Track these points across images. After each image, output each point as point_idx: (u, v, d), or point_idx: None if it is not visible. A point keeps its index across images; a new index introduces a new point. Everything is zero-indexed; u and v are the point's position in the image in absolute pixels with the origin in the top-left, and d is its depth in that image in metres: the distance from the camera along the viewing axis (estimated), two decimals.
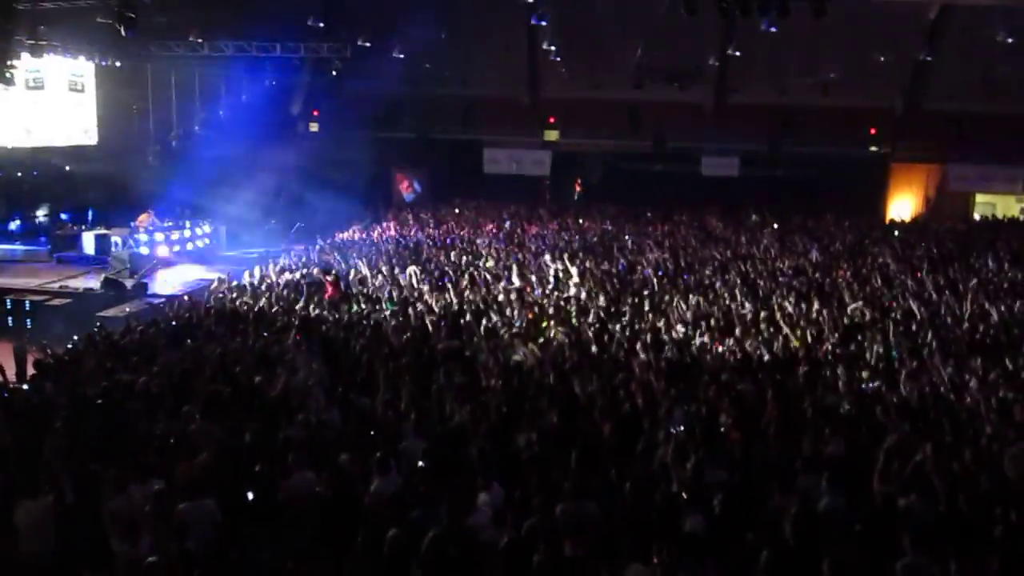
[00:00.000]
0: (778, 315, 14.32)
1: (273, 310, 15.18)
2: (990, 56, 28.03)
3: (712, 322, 14.20)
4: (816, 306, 15.09)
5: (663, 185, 32.20)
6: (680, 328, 13.91)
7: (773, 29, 17.13)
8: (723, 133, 32.01)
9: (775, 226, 27.63)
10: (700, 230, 26.92)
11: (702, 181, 32.04)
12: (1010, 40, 22.41)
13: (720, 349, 12.62)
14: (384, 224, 27.81)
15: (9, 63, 18.91)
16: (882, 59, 26.59)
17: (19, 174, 24.93)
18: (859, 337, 13.18)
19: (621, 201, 31.69)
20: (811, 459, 7.80)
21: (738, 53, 27.70)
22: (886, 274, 18.77)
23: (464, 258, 21.04)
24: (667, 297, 16.16)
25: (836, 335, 13.32)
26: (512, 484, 7.42)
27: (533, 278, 18.20)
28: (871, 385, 10.57)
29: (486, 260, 20.42)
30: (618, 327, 13.79)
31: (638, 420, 9.11)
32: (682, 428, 8.72)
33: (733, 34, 27.60)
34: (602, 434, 8.66)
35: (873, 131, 31.63)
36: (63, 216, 25.44)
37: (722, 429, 8.96)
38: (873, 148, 31.91)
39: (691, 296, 16.22)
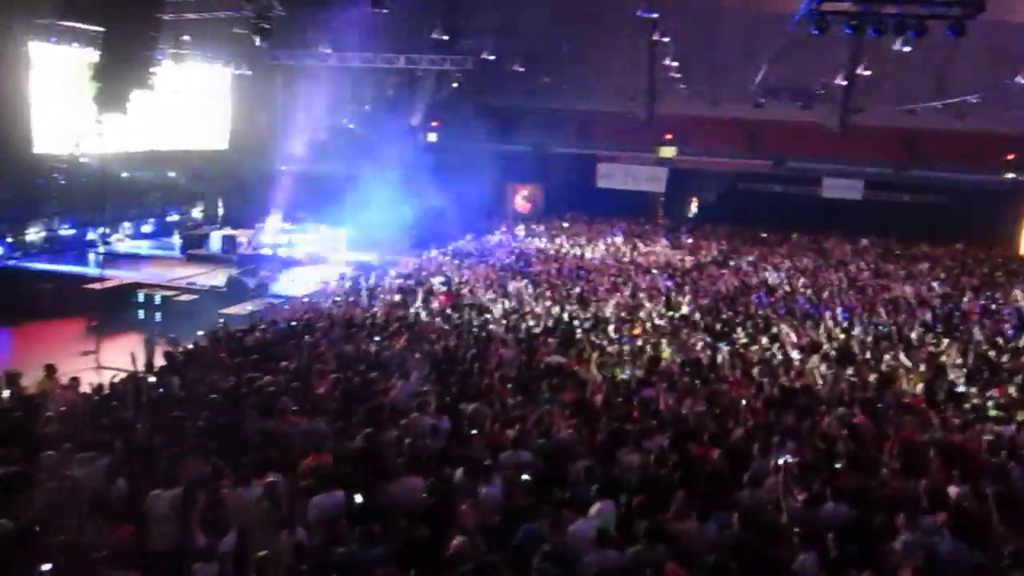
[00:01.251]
0: (898, 348, 13.76)
1: (386, 315, 15.50)
2: None
3: (828, 350, 13.75)
4: (941, 340, 14.43)
5: (781, 206, 31.44)
6: (795, 354, 13.52)
7: (907, 49, 16.44)
8: (847, 155, 31.03)
9: (897, 253, 26.60)
10: (819, 253, 26.14)
11: (823, 204, 31.12)
12: None
13: (836, 378, 12.17)
14: (498, 235, 28.08)
15: (152, 70, 19.99)
16: (1022, 81, 25.19)
17: (155, 175, 26.28)
18: (988, 375, 12.53)
19: (737, 221, 31.09)
20: (932, 500, 7.44)
21: (867, 72, 26.79)
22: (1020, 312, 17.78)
23: (575, 272, 21.02)
24: (782, 322, 15.75)
25: (963, 372, 12.69)
26: (617, 505, 7.35)
27: (643, 296, 18.04)
28: (1005, 428, 9.98)
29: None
30: (728, 350, 13.50)
31: (748, 447, 8.88)
32: (793, 459, 8.44)
33: (862, 53, 26.71)
34: (711, 460, 8.48)
35: (1010, 157, 30.04)
36: (194, 216, 26.70)
37: (837, 465, 8.62)
38: (1010, 175, 30.30)
39: (807, 321, 15.77)
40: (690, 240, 28.58)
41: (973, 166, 29.93)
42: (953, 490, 7.75)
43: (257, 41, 19.58)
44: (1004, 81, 25.45)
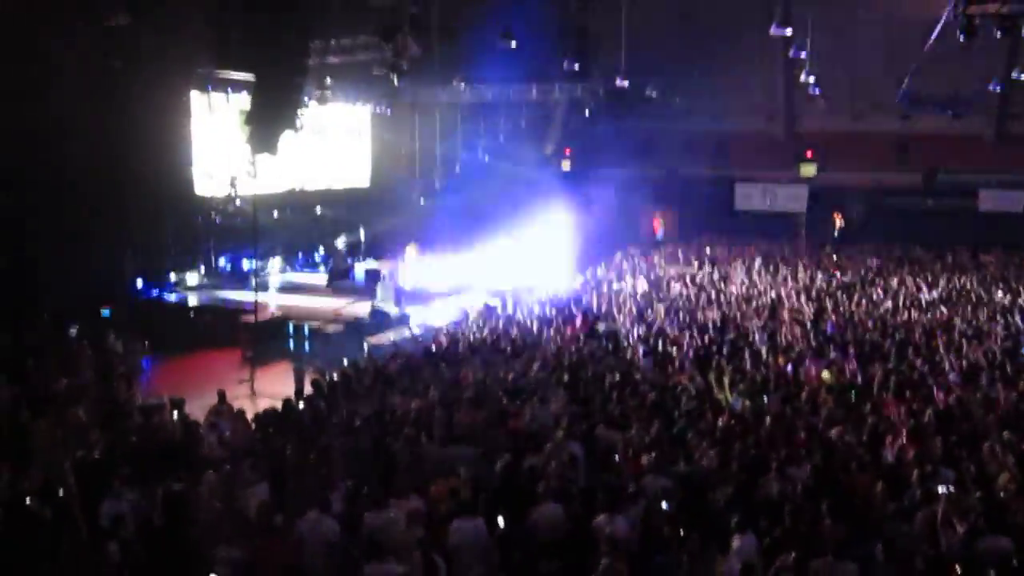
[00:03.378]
0: None
1: (525, 341, 15.64)
2: None
3: (993, 372, 12.90)
4: None
5: (934, 222, 29.79)
6: (953, 377, 12.76)
7: None
8: (1005, 165, 29.18)
9: None
10: (977, 271, 24.63)
11: (980, 217, 29.32)
12: None
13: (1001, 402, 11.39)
14: (634, 261, 27.87)
15: (299, 113, 21.09)
16: None
17: (303, 213, 27.60)
18: None
19: (886, 239, 29.64)
20: None
21: (1023, 77, 25.20)
22: None
23: (714, 296, 20.60)
24: (937, 342, 14.93)
25: None
26: (761, 535, 7.12)
27: (786, 317, 17.48)
28: None
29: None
30: (882, 372, 12.87)
31: (901, 475, 8.43)
32: (952, 488, 7.94)
33: (1017, 56, 25.17)
34: (861, 488, 8.09)
35: None
36: (339, 249, 27.85)
37: (1002, 493, 8.06)
38: None
39: (966, 342, 14.87)
40: (835, 259, 27.48)
41: None
42: None
43: (395, 80, 20.32)
44: None
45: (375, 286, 23.12)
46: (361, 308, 21.14)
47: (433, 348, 15.81)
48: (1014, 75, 25.44)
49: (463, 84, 27.00)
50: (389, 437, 9.62)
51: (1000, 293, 20.81)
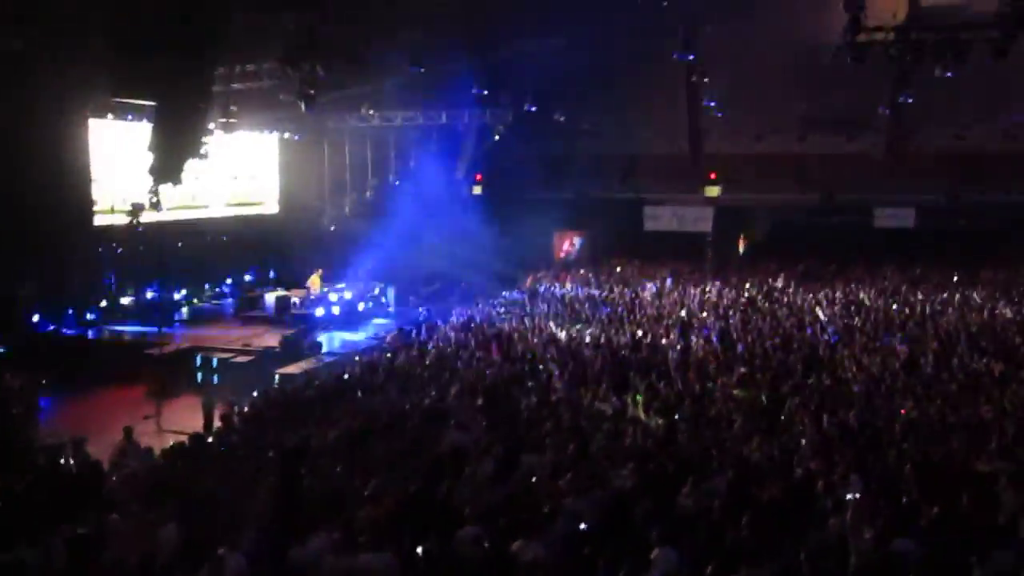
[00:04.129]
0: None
1: (440, 367, 15.54)
2: None
3: (894, 383, 13.43)
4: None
5: (834, 239, 30.97)
6: (856, 388, 13.22)
7: (949, 75, 16.25)
8: (897, 183, 30.51)
9: (955, 279, 26.02)
10: (875, 286, 25.67)
11: (876, 234, 30.60)
12: None
13: (903, 412, 11.85)
14: (545, 284, 28.11)
15: (204, 140, 20.64)
16: None
17: (210, 241, 27.00)
18: None
19: (789, 257, 30.65)
20: (1007, 533, 7.15)
21: (911, 100, 26.47)
22: None
23: (625, 316, 20.90)
24: (841, 356, 15.46)
25: None
26: (680, 549, 7.19)
27: (693, 337, 17.84)
28: None
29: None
30: (789, 386, 13.24)
31: (812, 485, 8.67)
32: (859, 495, 8.20)
33: (905, 80, 26.46)
34: (774, 499, 8.27)
35: None
36: (247, 278, 27.26)
37: (904, 499, 8.35)
38: None
39: (866, 356, 15.44)
40: (739, 279, 28.26)
41: None
42: None
43: (303, 107, 20.10)
44: None
45: (285, 315, 22.76)
46: (271, 338, 20.72)
47: (347, 376, 15.56)
48: (901, 98, 26.71)
49: (372, 110, 26.89)
50: (304, 469, 9.40)
51: (896, 307, 21.69)
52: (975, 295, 23.12)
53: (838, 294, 23.91)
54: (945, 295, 23.17)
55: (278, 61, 19.48)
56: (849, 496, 8.16)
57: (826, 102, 27.05)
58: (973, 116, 27.63)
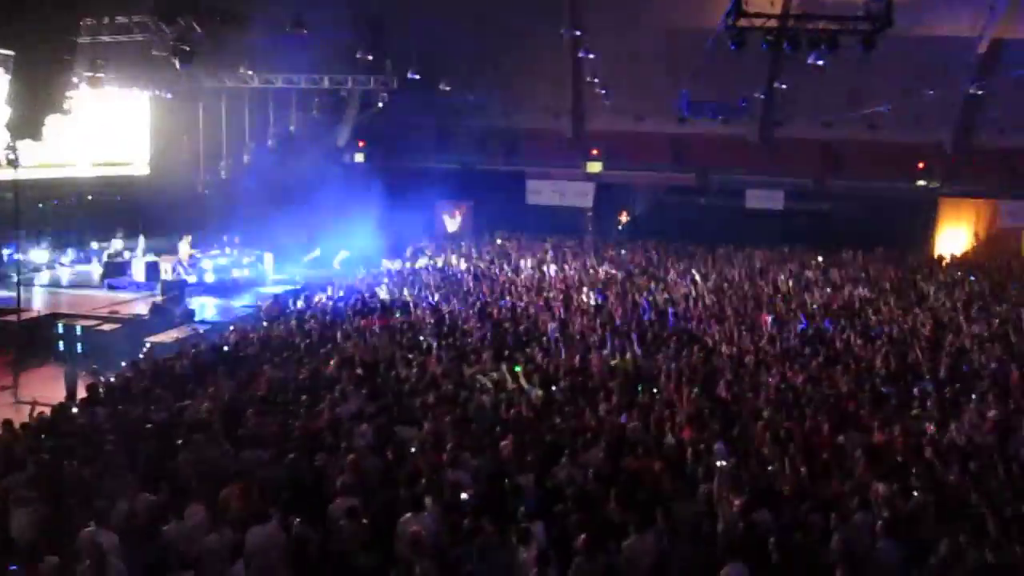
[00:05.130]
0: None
1: (318, 338, 15.28)
2: None
3: (759, 356, 14.05)
4: (865, 343, 14.87)
5: (708, 219, 32.07)
6: (720, 362, 13.77)
7: (820, 63, 17.02)
8: (768, 167, 31.86)
9: (819, 259, 27.38)
10: (745, 263, 26.72)
11: (747, 215, 31.85)
12: None
13: (770, 383, 12.41)
14: (429, 255, 28.00)
15: (68, 95, 19.47)
16: (931, 94, 26.28)
17: (74, 202, 25.60)
18: (910, 377, 12.95)
19: (666, 234, 31.57)
20: (863, 500, 7.62)
21: (784, 87, 27.56)
22: (937, 314, 18.42)
23: (506, 289, 21.06)
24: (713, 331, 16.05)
25: (887, 372, 13.09)
26: (555, 521, 7.36)
27: (573, 310, 18.15)
28: (927, 427, 10.31)
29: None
30: (664, 360, 13.66)
31: (682, 456, 9.00)
32: (726, 463, 8.57)
33: (779, 68, 27.49)
34: (647, 470, 8.56)
35: (922, 166, 31.25)
36: (114, 242, 26.03)
37: (769, 468, 8.79)
38: (922, 183, 31.49)
39: (737, 331, 16.08)
40: (623, 252, 28.89)
41: (888, 175, 31.04)
42: (881, 488, 7.96)
43: (177, 64, 19.22)
44: (914, 93, 26.49)
45: (155, 282, 21.90)
46: (140, 305, 19.89)
47: (220, 347, 15.09)
48: (776, 84, 27.78)
49: (250, 71, 25.96)
50: (176, 442, 9.10)
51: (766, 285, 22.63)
52: (837, 275, 24.36)
53: (710, 271, 24.76)
54: (810, 274, 24.33)
55: (151, 15, 18.55)
56: (720, 463, 8.52)
57: (704, 86, 27.81)
58: (840, 106, 29.01)
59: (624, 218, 34.78)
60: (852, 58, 17.78)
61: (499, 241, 31.26)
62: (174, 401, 10.90)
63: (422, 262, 26.42)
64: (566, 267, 25.21)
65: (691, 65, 25.33)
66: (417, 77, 26.14)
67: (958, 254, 30.69)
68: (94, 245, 25.92)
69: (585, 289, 20.93)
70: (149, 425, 9.71)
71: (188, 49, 18.79)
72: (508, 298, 19.57)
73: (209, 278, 23.10)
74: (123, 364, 13.96)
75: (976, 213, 32.28)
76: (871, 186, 30.95)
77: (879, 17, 14.25)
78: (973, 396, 11.59)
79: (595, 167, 33.04)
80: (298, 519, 7.18)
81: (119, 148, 26.28)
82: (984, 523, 7.06)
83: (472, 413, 10.58)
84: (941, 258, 29.79)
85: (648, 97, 30.93)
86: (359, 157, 32.92)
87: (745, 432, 10.01)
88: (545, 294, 20.26)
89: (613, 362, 13.57)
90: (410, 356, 13.79)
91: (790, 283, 22.41)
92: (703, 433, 9.77)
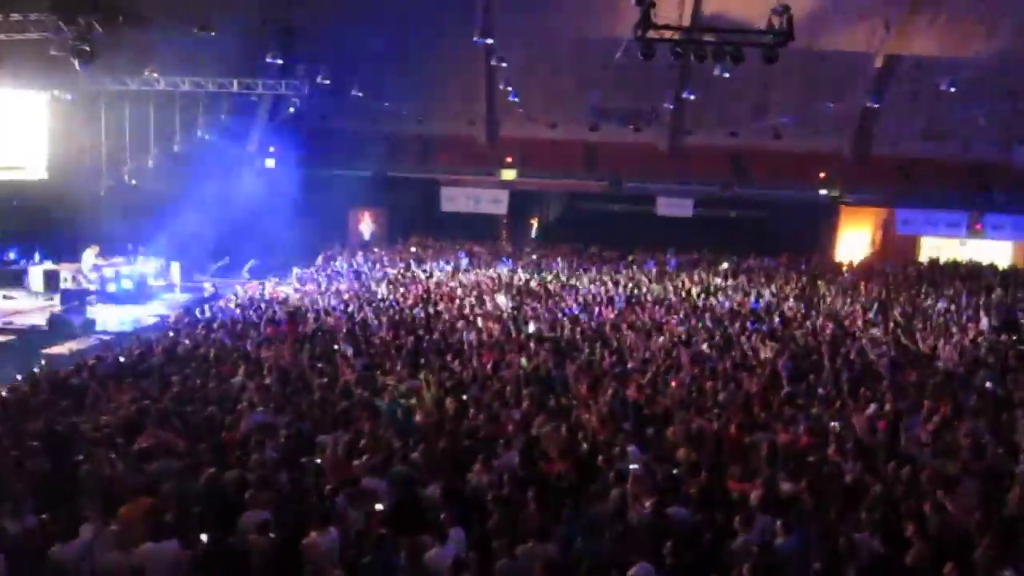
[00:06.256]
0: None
1: (226, 348, 14.92)
2: (933, 105, 29.02)
3: (667, 360, 14.32)
4: (770, 344, 15.31)
5: (620, 225, 32.60)
6: (632, 365, 13.99)
7: (727, 75, 17.55)
8: (677, 175, 32.61)
9: (726, 265, 28.14)
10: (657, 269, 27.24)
11: (658, 221, 32.49)
12: (952, 89, 23.27)
13: (675, 386, 12.66)
14: (341, 262, 27.67)
15: None
16: (831, 106, 27.36)
17: None
18: (812, 375, 13.40)
19: (578, 240, 31.96)
20: (769, 498, 7.83)
21: (692, 97, 28.26)
22: (836, 315, 19.12)
23: (420, 295, 20.97)
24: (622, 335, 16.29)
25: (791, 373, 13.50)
26: (471, 525, 7.34)
27: (489, 321, 18.18)
28: (832, 423, 10.66)
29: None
30: (576, 365, 13.79)
31: (595, 458, 9.10)
32: (637, 466, 8.70)
33: (688, 78, 28.17)
34: (560, 474, 8.62)
35: (823, 175, 32.46)
36: (10, 251, 24.91)
37: (675, 470, 8.94)
38: (823, 191, 32.71)
39: (649, 335, 16.37)
40: (535, 258, 29.09)
41: (791, 183, 32.13)
42: (786, 486, 8.21)
43: (77, 65, 18.52)
44: (815, 104, 27.52)
45: (54, 292, 21.07)
46: (37, 316, 19.08)
47: (124, 358, 14.57)
48: (684, 95, 28.45)
49: (155, 73, 25.20)
50: (75, 457, 8.74)
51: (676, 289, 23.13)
52: (744, 280, 25.06)
53: (621, 277, 25.16)
54: (719, 280, 24.98)
55: (49, 13, 17.84)
56: (633, 467, 8.64)
57: (615, 95, 28.30)
58: (746, 116, 29.91)
59: (535, 224, 35.04)
60: (757, 70, 18.40)
61: (413, 248, 31.12)
62: (72, 415, 10.47)
63: (334, 268, 26.08)
64: (480, 273, 25.25)
65: (602, 74, 25.74)
66: (328, 82, 25.82)
67: (857, 260, 31.97)
68: None
69: (500, 295, 21.00)
70: (44, 441, 9.28)
71: (88, 49, 18.10)
72: (422, 305, 19.49)
73: (112, 287, 22.30)
74: (18, 377, 13.35)
75: (874, 220, 33.70)
76: (776, 194, 32.00)
77: (781, 32, 14.75)
78: (871, 394, 12.06)
79: (509, 174, 33.23)
80: (204, 535, 6.97)
81: (13, 152, 25.13)
82: (880, 517, 7.34)
83: (386, 421, 10.48)
84: (842, 263, 30.96)
85: (561, 105, 31.30)
86: (269, 163, 32.29)
87: (657, 434, 10.17)
88: (459, 301, 20.26)
89: (527, 367, 13.64)
90: (320, 365, 13.59)
91: (697, 288, 22.96)
92: (616, 435, 9.90)
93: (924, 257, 32.96)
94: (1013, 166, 32.29)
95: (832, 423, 10.70)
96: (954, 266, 29.86)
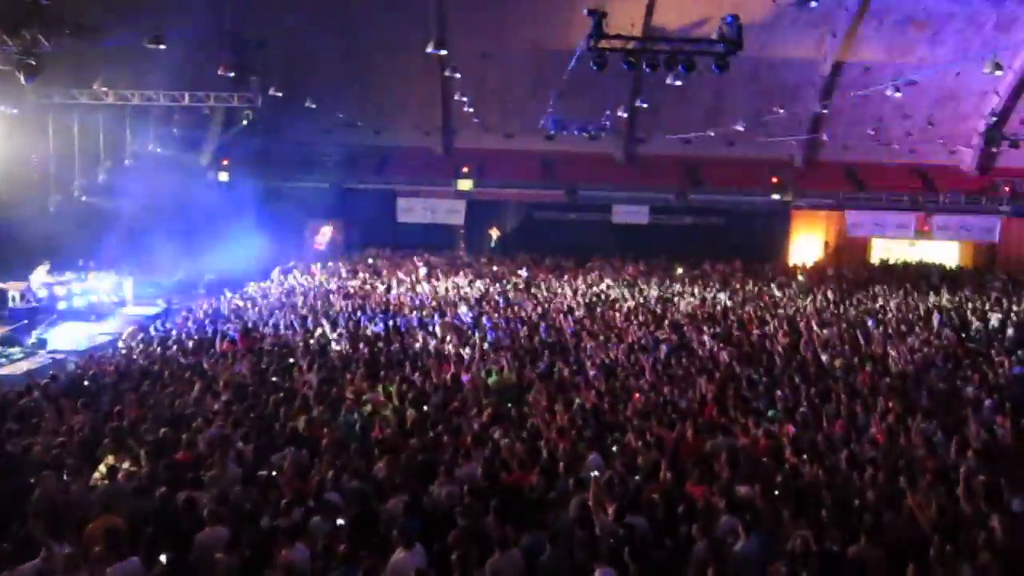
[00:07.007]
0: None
1: (182, 364, 14.71)
2: (880, 110, 29.69)
3: (629, 366, 14.42)
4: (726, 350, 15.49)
5: (577, 233, 32.80)
6: (592, 373, 14.06)
7: (679, 84, 17.80)
8: (633, 183, 32.95)
9: (680, 271, 28.44)
10: (613, 277, 27.39)
11: (614, 229, 32.75)
12: (898, 95, 23.82)
13: (636, 396, 12.74)
14: (298, 275, 27.40)
15: None
16: (782, 112, 27.84)
17: None
18: (769, 376, 13.57)
19: (536, 249, 32.08)
20: (728, 501, 7.91)
21: (645, 106, 28.55)
22: (792, 321, 19.39)
23: (378, 307, 20.87)
24: (584, 343, 16.37)
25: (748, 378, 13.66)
26: (432, 539, 7.32)
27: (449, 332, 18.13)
28: (787, 428, 10.80)
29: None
30: (535, 374, 13.83)
31: (556, 467, 9.12)
32: (599, 474, 8.74)
33: (641, 88, 28.47)
34: (521, 483, 8.63)
35: (775, 180, 32.98)
36: None
37: (636, 476, 9.00)
38: (776, 196, 33.24)
39: (607, 343, 16.46)
40: (495, 269, 29.09)
41: (745, 189, 32.61)
42: (743, 490, 8.30)
43: (22, 79, 18.16)
44: (766, 111, 27.97)
45: (3, 309, 20.59)
46: None
47: (78, 377, 14.29)
48: (638, 103, 28.75)
49: (104, 87, 24.80)
50: (26, 480, 8.55)
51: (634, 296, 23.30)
52: (701, 285, 25.31)
53: (580, 285, 25.28)
54: (677, 286, 25.19)
55: None
56: (594, 474, 8.67)
57: (570, 104, 28.48)
58: (699, 124, 30.31)
59: (495, 234, 35.11)
60: (708, 79, 18.67)
61: (370, 260, 30.97)
62: (23, 436, 10.24)
63: (290, 282, 25.82)
64: (438, 284, 25.19)
65: (557, 84, 25.91)
66: (280, 94, 25.65)
67: (811, 263, 32.51)
68: None
69: (459, 306, 20.98)
70: None
71: (34, 63, 17.78)
72: (380, 316, 19.40)
73: (63, 305, 21.83)
74: None
75: (826, 224, 34.32)
76: (730, 200, 32.46)
77: (731, 41, 15.00)
78: (824, 397, 12.25)
79: (466, 184, 33.29)
80: (164, 556, 6.87)
81: None
82: (835, 517, 7.47)
83: (345, 435, 10.41)
84: (795, 267, 31.45)
85: (516, 115, 31.47)
86: (223, 176, 31.95)
87: (618, 441, 10.23)
88: (418, 312, 20.19)
89: (487, 378, 13.65)
90: (275, 380, 13.46)
91: (654, 295, 23.16)
92: (576, 444, 9.93)
93: (875, 258, 33.66)
94: (959, 168, 33.17)
95: (788, 425, 10.84)
96: (904, 267, 30.49)
